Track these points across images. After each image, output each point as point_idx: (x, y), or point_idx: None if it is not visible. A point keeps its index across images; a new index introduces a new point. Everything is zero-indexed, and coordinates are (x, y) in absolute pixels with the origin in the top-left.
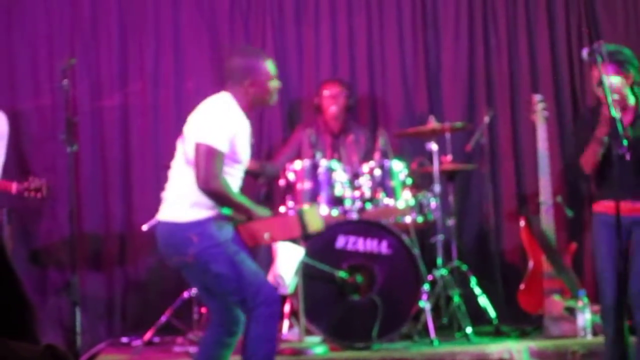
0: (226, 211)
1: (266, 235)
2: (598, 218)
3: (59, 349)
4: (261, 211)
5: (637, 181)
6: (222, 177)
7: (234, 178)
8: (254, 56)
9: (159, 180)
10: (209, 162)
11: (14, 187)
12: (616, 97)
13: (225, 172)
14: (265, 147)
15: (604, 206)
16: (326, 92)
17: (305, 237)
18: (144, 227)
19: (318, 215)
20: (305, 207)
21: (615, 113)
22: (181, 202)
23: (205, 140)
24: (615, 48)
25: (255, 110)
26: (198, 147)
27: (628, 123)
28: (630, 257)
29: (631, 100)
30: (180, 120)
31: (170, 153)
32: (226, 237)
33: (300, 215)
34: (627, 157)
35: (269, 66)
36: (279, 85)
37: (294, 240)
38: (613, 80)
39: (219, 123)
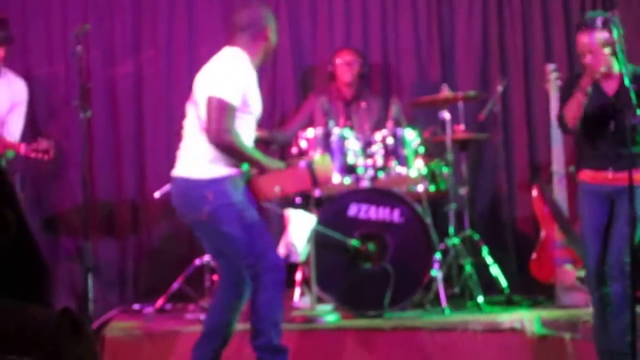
0: (244, 167)
1: (277, 189)
2: (582, 186)
3: (75, 313)
4: (274, 163)
5: (619, 150)
6: (234, 130)
7: (246, 130)
8: (264, 10)
9: (172, 147)
10: (220, 115)
11: (22, 147)
12: (608, 50)
13: (237, 124)
14: (278, 115)
15: (587, 175)
16: (340, 60)
17: (315, 187)
18: (156, 195)
19: (328, 165)
20: (316, 157)
21: (604, 68)
22: (198, 159)
23: (217, 93)
24: (598, 13)
25: (257, 65)
26: (210, 100)
27: (611, 93)
28: (611, 225)
29: (615, 68)
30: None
31: (183, 120)
32: (241, 198)
33: (310, 166)
34: (611, 126)
35: (274, 22)
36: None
37: (305, 208)
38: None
39: (229, 76)
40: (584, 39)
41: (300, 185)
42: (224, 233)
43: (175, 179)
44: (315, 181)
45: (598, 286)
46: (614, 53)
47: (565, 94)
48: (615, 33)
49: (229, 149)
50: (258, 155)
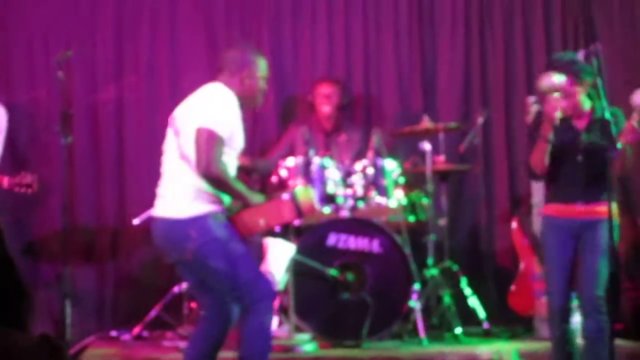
0: (226, 203)
1: (261, 222)
2: (547, 221)
3: (53, 338)
4: (256, 197)
5: (588, 184)
6: (222, 162)
7: (230, 165)
8: (253, 51)
9: (153, 174)
10: (210, 146)
11: (5, 181)
12: (557, 95)
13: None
14: (259, 144)
15: (553, 209)
16: (320, 91)
17: (299, 219)
18: (136, 221)
19: (311, 196)
20: (298, 189)
21: (559, 114)
22: (178, 197)
23: (207, 124)
24: (569, 57)
25: (243, 107)
26: (199, 132)
27: (582, 128)
28: (579, 260)
29: (586, 106)
30: None
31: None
32: (224, 232)
33: (293, 197)
34: (580, 160)
35: (263, 65)
36: (266, 89)
37: (285, 237)
38: (555, 79)
39: (219, 108)
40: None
41: (284, 218)
42: (210, 268)
43: (156, 220)
44: (299, 213)
45: (561, 323)
46: (587, 94)
47: (533, 136)
48: (585, 73)
49: (217, 181)
50: (242, 188)
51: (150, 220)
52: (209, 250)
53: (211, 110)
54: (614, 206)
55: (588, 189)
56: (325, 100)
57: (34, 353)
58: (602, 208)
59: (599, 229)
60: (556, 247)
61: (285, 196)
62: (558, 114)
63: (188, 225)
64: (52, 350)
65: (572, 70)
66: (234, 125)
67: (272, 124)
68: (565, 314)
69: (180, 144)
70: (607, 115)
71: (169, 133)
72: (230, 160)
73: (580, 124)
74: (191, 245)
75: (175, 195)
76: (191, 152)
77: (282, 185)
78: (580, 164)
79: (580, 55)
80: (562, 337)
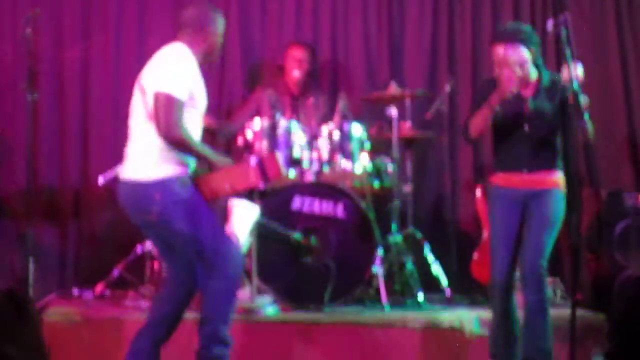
0: (191, 164)
1: (227, 186)
2: (494, 191)
3: (19, 293)
4: (222, 160)
5: (534, 153)
6: (183, 125)
7: (194, 125)
8: (211, 8)
9: (118, 134)
10: (169, 110)
11: None
12: (518, 71)
13: (185, 119)
14: (225, 106)
15: (499, 178)
16: (292, 55)
17: (265, 185)
18: (100, 181)
19: (279, 163)
20: (267, 155)
21: (515, 88)
22: (144, 159)
23: (165, 89)
24: (515, 26)
25: (202, 64)
26: (157, 96)
27: (528, 96)
28: (524, 231)
29: (533, 76)
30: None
31: (129, 108)
32: (189, 195)
33: (260, 162)
34: (526, 128)
35: (221, 23)
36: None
37: (249, 199)
38: (523, 53)
39: (176, 71)
40: (499, 50)
41: (250, 183)
42: (174, 231)
43: (122, 182)
44: (265, 178)
45: (503, 296)
46: (534, 62)
47: (477, 101)
48: (532, 42)
49: (178, 144)
50: (207, 151)
51: (114, 180)
52: (173, 213)
53: (168, 73)
54: (561, 176)
55: (534, 158)
56: (296, 65)
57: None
58: (548, 177)
59: (545, 199)
60: (501, 218)
61: (252, 160)
62: (514, 89)
63: (153, 188)
64: (18, 304)
65: (519, 39)
66: (192, 86)
67: (238, 87)
68: (509, 288)
69: (146, 103)
70: (548, 81)
71: (136, 93)
72: (194, 121)
73: (526, 93)
74: (155, 208)
75: (141, 157)
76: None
77: (248, 147)
78: (527, 133)
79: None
80: (504, 312)
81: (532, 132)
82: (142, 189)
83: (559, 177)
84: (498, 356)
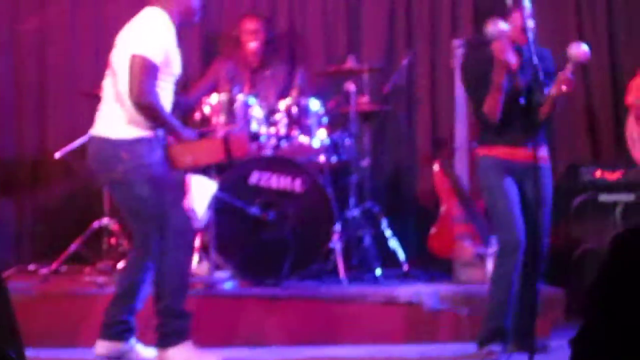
0: (160, 132)
1: (189, 158)
2: (492, 162)
3: None
4: (188, 133)
5: (530, 127)
6: (155, 92)
7: (166, 93)
8: None
9: (74, 107)
10: (143, 74)
11: None
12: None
13: (159, 86)
14: (182, 80)
15: (498, 151)
16: (246, 27)
17: (229, 161)
18: (57, 155)
19: (245, 141)
20: (233, 131)
21: (511, 57)
22: (115, 118)
23: (139, 51)
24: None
25: (182, 26)
26: (133, 58)
27: (515, 69)
28: (525, 206)
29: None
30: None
31: (87, 79)
32: (155, 161)
33: (226, 139)
34: (521, 101)
35: None
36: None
37: (207, 174)
38: (502, 25)
39: (152, 35)
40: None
41: (214, 157)
42: (135, 194)
43: (91, 139)
44: (229, 155)
45: (519, 257)
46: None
47: (477, 81)
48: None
49: (148, 110)
50: (176, 122)
51: (72, 153)
52: (137, 175)
53: (143, 36)
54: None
55: (530, 132)
56: (251, 36)
57: None
58: (542, 152)
59: (542, 176)
60: (507, 186)
61: (219, 136)
62: (511, 58)
63: (120, 147)
64: None
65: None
66: (168, 50)
67: (195, 59)
68: (526, 254)
69: (120, 65)
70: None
71: (112, 58)
72: (167, 88)
73: (513, 66)
74: (121, 167)
75: (112, 116)
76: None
77: (205, 122)
78: (523, 106)
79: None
80: (514, 272)
81: (527, 106)
82: (110, 146)
83: (547, 150)
84: (500, 329)
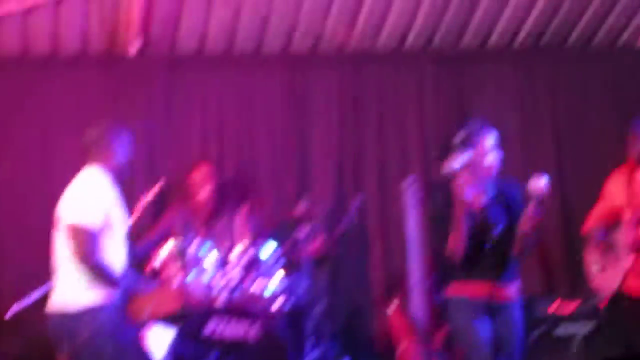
0: (118, 292)
1: (148, 311)
2: (463, 302)
3: None
4: (143, 286)
5: (496, 264)
6: (99, 254)
7: (115, 250)
8: (115, 126)
9: (25, 265)
10: (81, 243)
11: None
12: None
13: (105, 245)
14: (135, 228)
15: (469, 290)
16: (198, 174)
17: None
18: (7, 316)
19: (201, 286)
20: (187, 280)
21: (470, 194)
22: (69, 288)
23: (74, 220)
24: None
25: (117, 181)
26: (68, 229)
27: (482, 206)
28: (502, 342)
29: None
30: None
31: (38, 225)
32: (116, 324)
33: (181, 289)
34: (487, 238)
35: (126, 137)
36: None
37: (165, 323)
38: (455, 162)
39: (89, 201)
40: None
41: (171, 308)
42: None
43: (50, 316)
44: (187, 302)
45: None
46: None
47: (440, 216)
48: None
49: (95, 271)
50: (129, 277)
51: (21, 313)
52: (98, 343)
53: (79, 204)
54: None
55: (500, 270)
56: (204, 185)
57: None
58: (512, 289)
59: (513, 315)
60: (476, 326)
61: (174, 285)
62: (470, 195)
63: (80, 317)
64: None
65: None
66: (109, 209)
67: (147, 208)
68: None
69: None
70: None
71: (58, 225)
72: (115, 245)
73: (475, 203)
74: (83, 336)
75: (66, 286)
76: None
77: (159, 270)
78: (492, 244)
79: (458, 137)
80: None
81: (496, 243)
82: (67, 320)
83: (519, 285)
84: None
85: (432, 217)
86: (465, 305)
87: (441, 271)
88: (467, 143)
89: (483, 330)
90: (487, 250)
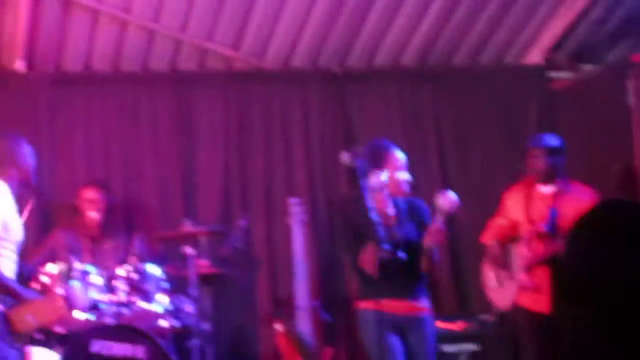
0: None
1: (30, 318)
2: (375, 316)
3: None
4: (29, 293)
5: (406, 278)
6: None
7: (7, 260)
8: (13, 139)
9: None
10: None
11: None
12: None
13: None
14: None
15: (380, 304)
16: (86, 196)
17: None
18: None
19: (84, 294)
20: (73, 284)
21: (392, 210)
22: None
23: None
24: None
25: (20, 193)
26: None
27: (392, 222)
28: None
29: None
30: None
31: None
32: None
33: (64, 294)
34: (402, 256)
35: (27, 149)
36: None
37: (48, 344)
38: (379, 178)
39: None
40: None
41: (55, 314)
42: None
43: None
44: (70, 309)
45: None
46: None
47: (351, 232)
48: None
49: None
50: (14, 284)
51: None
52: None
53: None
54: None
55: (410, 284)
56: (91, 206)
57: None
58: (423, 303)
59: (424, 328)
60: (388, 340)
61: (57, 292)
62: (389, 211)
63: None
64: None
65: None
66: (6, 218)
67: (32, 228)
68: None
69: None
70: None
71: None
72: (8, 255)
73: (389, 219)
74: None
75: None
76: None
77: (43, 291)
78: (402, 259)
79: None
80: None
81: (404, 257)
82: None
83: (428, 302)
84: None
85: (344, 231)
86: (376, 320)
87: (358, 282)
88: (377, 161)
89: (395, 343)
90: (399, 265)
